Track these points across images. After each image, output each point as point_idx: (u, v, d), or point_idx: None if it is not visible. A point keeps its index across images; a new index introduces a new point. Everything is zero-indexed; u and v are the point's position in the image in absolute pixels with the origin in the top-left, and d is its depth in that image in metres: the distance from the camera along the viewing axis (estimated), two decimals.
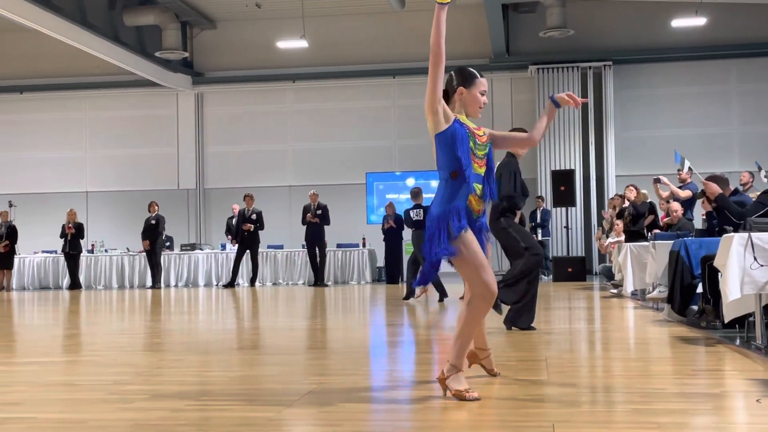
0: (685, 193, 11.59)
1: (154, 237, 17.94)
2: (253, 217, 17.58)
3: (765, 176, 12.74)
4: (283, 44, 20.08)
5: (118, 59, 18.81)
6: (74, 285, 18.42)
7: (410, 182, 19.96)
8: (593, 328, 7.90)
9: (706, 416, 3.67)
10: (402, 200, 19.12)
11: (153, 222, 18.04)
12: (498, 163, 6.82)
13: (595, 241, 17.73)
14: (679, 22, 18.73)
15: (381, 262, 18.89)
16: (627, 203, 12.97)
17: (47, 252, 19.62)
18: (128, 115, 21.99)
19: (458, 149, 4.12)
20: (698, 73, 19.91)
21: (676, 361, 5.41)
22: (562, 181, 17.70)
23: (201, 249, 19.42)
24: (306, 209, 17.53)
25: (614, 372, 5.07)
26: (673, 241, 8.03)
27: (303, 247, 18.12)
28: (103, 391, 4.53)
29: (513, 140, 4.94)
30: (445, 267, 4.30)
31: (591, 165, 19.84)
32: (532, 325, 7.28)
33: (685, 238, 7.85)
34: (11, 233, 18.56)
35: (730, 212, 7.52)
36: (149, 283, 18.36)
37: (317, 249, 17.41)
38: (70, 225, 18.38)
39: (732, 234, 5.82)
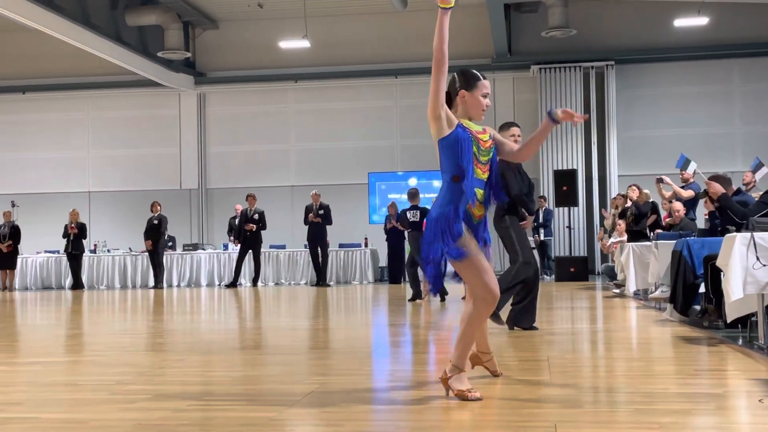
0: (688, 193, 11.57)
1: (156, 237, 17.95)
2: (256, 217, 17.59)
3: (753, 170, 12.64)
4: (285, 44, 20.09)
5: (120, 59, 18.82)
6: (77, 285, 18.43)
7: (412, 182, 19.95)
8: (595, 328, 7.89)
9: (708, 416, 3.67)
10: (404, 200, 19.02)
11: (155, 222, 18.05)
12: None
13: (597, 241, 17.72)
14: (681, 22, 18.71)
15: (383, 262, 18.89)
16: (629, 203, 12.97)
17: (50, 252, 19.64)
18: (131, 115, 22.00)
19: (461, 156, 4.09)
20: (701, 73, 19.89)
21: (678, 361, 5.41)
22: (565, 180, 17.70)
23: (203, 249, 19.42)
24: (308, 209, 17.53)
25: (616, 372, 5.06)
26: (675, 241, 8.03)
27: (305, 247, 18.13)
28: (105, 391, 4.53)
29: (501, 151, 4.40)
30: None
31: (593, 165, 19.83)
32: (534, 324, 7.28)
33: (688, 238, 7.85)
34: (14, 233, 18.58)
35: (733, 212, 7.51)
36: (152, 283, 18.38)
37: (319, 249, 17.41)
38: (72, 225, 18.39)
39: (734, 234, 5.81)
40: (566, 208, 18.38)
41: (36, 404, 4.26)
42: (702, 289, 7.13)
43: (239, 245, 17.79)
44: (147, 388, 4.61)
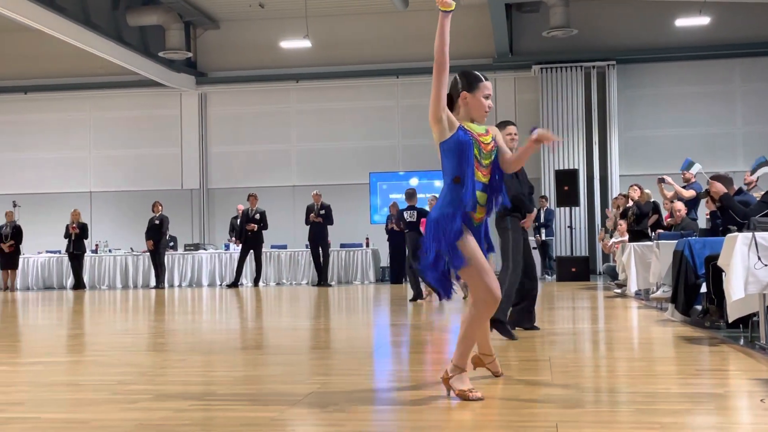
0: (689, 193, 11.57)
1: (157, 237, 17.96)
2: (257, 216, 17.59)
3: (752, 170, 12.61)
4: (286, 44, 20.09)
5: (121, 59, 18.83)
6: (78, 285, 18.44)
7: (414, 182, 19.96)
8: (597, 328, 7.89)
9: (709, 416, 3.67)
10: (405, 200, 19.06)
11: (157, 222, 18.05)
12: None
13: (599, 242, 17.70)
14: (682, 22, 18.71)
15: (385, 262, 18.90)
16: (631, 203, 12.96)
17: (51, 252, 19.65)
18: (132, 115, 22.01)
19: (461, 160, 4.08)
20: (702, 73, 19.89)
21: (679, 361, 5.40)
22: (566, 180, 17.70)
23: (205, 249, 19.43)
24: (309, 209, 17.52)
25: (618, 372, 5.06)
26: (677, 241, 8.03)
27: (306, 247, 18.13)
28: (106, 391, 4.53)
29: (500, 159, 4.30)
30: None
31: (595, 165, 19.83)
32: (536, 325, 7.27)
33: (689, 238, 7.85)
34: (16, 233, 18.60)
35: (735, 212, 7.50)
36: (153, 283, 18.38)
37: (320, 249, 17.41)
38: (74, 225, 18.40)
39: (736, 234, 5.81)
40: (567, 208, 18.39)
41: (37, 404, 4.26)
42: (703, 289, 7.14)
43: (240, 245, 17.80)
44: (148, 388, 4.61)
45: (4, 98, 22.17)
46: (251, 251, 17.66)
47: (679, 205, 10.92)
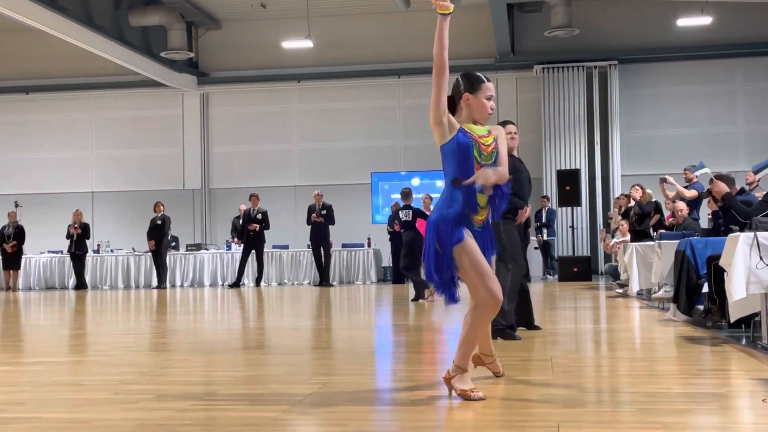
0: (691, 193, 11.56)
1: (159, 237, 17.96)
2: (259, 216, 17.59)
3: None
4: (288, 44, 20.09)
5: (123, 59, 18.83)
6: (80, 285, 18.45)
7: (415, 182, 19.96)
8: (599, 327, 7.88)
9: (711, 416, 3.66)
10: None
11: (159, 222, 18.06)
12: None
13: (600, 242, 17.70)
14: (684, 22, 18.69)
15: (386, 262, 18.89)
16: (632, 203, 12.95)
17: (53, 252, 19.65)
18: (134, 115, 22.02)
19: (461, 163, 4.08)
20: (704, 73, 19.86)
21: (681, 361, 5.40)
22: (568, 180, 17.69)
23: (206, 249, 19.43)
24: (311, 209, 17.52)
25: (619, 372, 5.06)
26: (678, 241, 8.03)
27: (308, 247, 18.13)
28: (108, 391, 4.53)
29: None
30: None
31: (596, 164, 19.81)
32: (537, 324, 7.27)
33: (691, 238, 7.84)
34: (19, 234, 18.61)
35: (737, 211, 7.50)
36: (155, 283, 18.39)
37: (322, 249, 17.41)
38: (76, 225, 18.41)
39: (738, 233, 5.81)
40: (569, 208, 18.37)
41: (39, 404, 4.26)
42: (705, 288, 7.13)
43: (242, 245, 17.81)
44: (150, 388, 4.61)
45: (6, 98, 22.19)
46: (253, 251, 17.66)
47: (681, 205, 10.91)
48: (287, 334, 7.71)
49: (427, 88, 4.22)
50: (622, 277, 12.22)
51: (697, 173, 11.85)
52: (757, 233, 5.55)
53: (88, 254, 18.80)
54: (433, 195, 15.93)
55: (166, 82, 20.58)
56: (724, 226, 7.97)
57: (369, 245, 19.02)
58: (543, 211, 18.77)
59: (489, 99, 4.22)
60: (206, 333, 8.03)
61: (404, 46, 20.42)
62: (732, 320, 6.09)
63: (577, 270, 16.84)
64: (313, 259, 17.84)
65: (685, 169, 12.30)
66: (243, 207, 18.28)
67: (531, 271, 17.07)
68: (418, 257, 12.35)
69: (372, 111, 21.11)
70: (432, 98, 4.06)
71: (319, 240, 17.34)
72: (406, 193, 12.79)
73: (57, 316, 10.66)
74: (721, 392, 4.25)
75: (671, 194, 12.04)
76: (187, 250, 19.29)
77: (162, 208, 18.24)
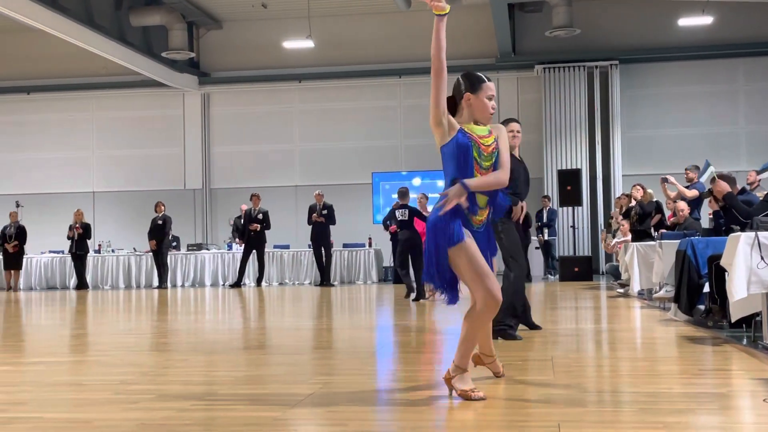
0: (692, 193, 11.56)
1: (160, 237, 17.97)
2: (260, 216, 17.60)
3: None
4: (289, 44, 20.10)
5: (124, 59, 18.84)
6: (81, 285, 18.46)
7: (416, 182, 19.96)
8: (600, 327, 7.88)
9: (712, 416, 3.66)
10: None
11: (160, 222, 18.07)
12: None
13: (601, 242, 17.69)
14: (685, 21, 18.69)
15: (387, 261, 18.89)
16: (633, 202, 12.95)
17: (54, 252, 19.66)
18: (135, 115, 22.03)
19: (460, 164, 4.07)
20: (705, 73, 19.86)
21: (682, 361, 5.40)
22: (569, 180, 17.69)
23: (207, 249, 19.44)
24: (312, 209, 17.53)
25: (620, 372, 5.06)
26: (679, 241, 8.02)
27: (309, 247, 18.13)
28: (109, 390, 4.53)
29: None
30: None
31: (597, 164, 19.80)
32: (538, 324, 7.26)
33: (692, 238, 7.84)
34: (20, 234, 18.61)
35: (738, 211, 7.50)
36: (156, 283, 18.39)
37: (323, 249, 17.41)
38: (77, 225, 18.42)
39: (739, 233, 5.80)
40: (570, 208, 18.36)
41: (40, 404, 4.26)
42: (706, 288, 7.13)
43: (243, 245, 17.81)
44: (150, 387, 4.61)
45: (7, 99, 22.20)
46: (254, 251, 17.67)
47: (682, 205, 10.90)
48: (288, 334, 7.71)
49: (428, 88, 4.21)
50: (623, 276, 12.22)
51: (704, 176, 11.81)
52: (758, 233, 5.54)
53: (89, 254, 18.81)
54: (429, 195, 15.91)
55: (167, 82, 20.59)
56: (725, 225, 7.96)
57: (370, 245, 19.02)
58: (544, 210, 18.77)
59: (490, 99, 4.21)
60: (207, 333, 8.03)
61: (405, 46, 20.42)
62: (733, 320, 6.09)
63: (578, 270, 16.84)
64: (314, 259, 17.85)
65: (686, 169, 12.29)
66: (244, 207, 18.29)
67: (532, 270, 17.15)
68: (415, 257, 12.36)
69: (373, 111, 21.12)
70: (431, 99, 4.05)
71: (320, 240, 17.35)
72: (403, 193, 12.78)
73: (58, 316, 10.67)
74: (722, 392, 4.25)
75: (672, 194, 12.03)
76: (188, 250, 19.30)
77: (163, 208, 18.25)
